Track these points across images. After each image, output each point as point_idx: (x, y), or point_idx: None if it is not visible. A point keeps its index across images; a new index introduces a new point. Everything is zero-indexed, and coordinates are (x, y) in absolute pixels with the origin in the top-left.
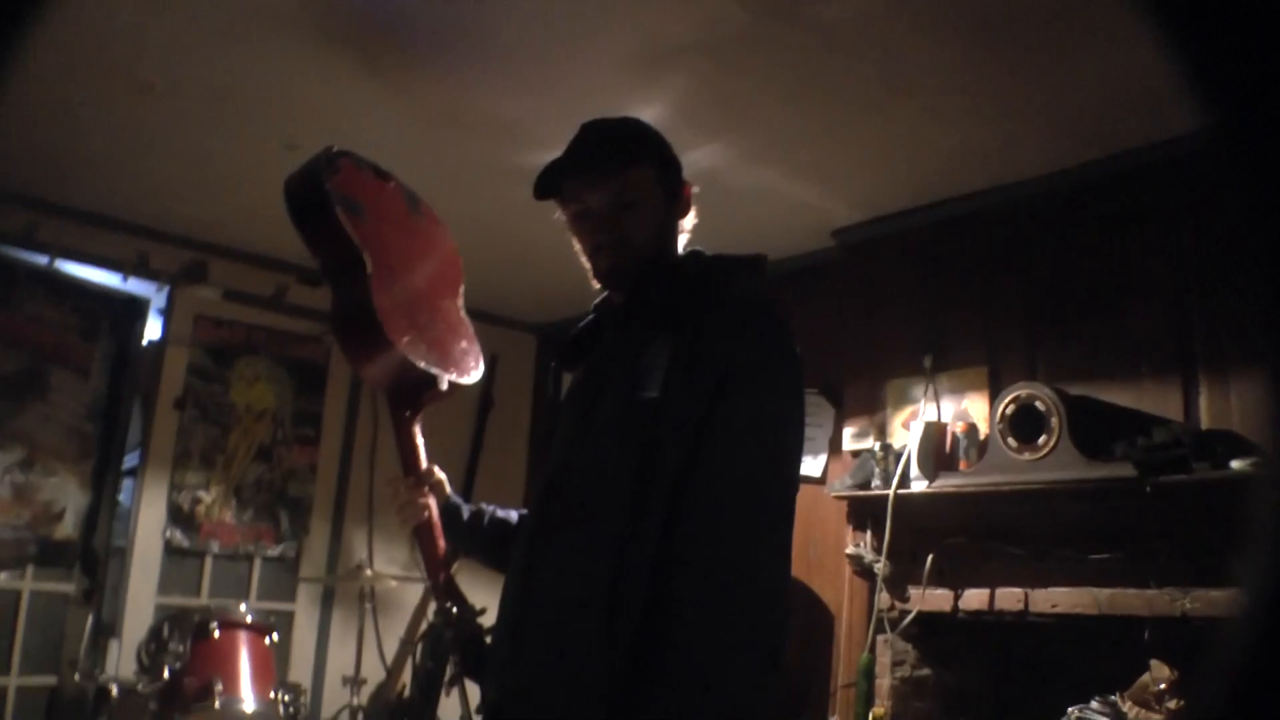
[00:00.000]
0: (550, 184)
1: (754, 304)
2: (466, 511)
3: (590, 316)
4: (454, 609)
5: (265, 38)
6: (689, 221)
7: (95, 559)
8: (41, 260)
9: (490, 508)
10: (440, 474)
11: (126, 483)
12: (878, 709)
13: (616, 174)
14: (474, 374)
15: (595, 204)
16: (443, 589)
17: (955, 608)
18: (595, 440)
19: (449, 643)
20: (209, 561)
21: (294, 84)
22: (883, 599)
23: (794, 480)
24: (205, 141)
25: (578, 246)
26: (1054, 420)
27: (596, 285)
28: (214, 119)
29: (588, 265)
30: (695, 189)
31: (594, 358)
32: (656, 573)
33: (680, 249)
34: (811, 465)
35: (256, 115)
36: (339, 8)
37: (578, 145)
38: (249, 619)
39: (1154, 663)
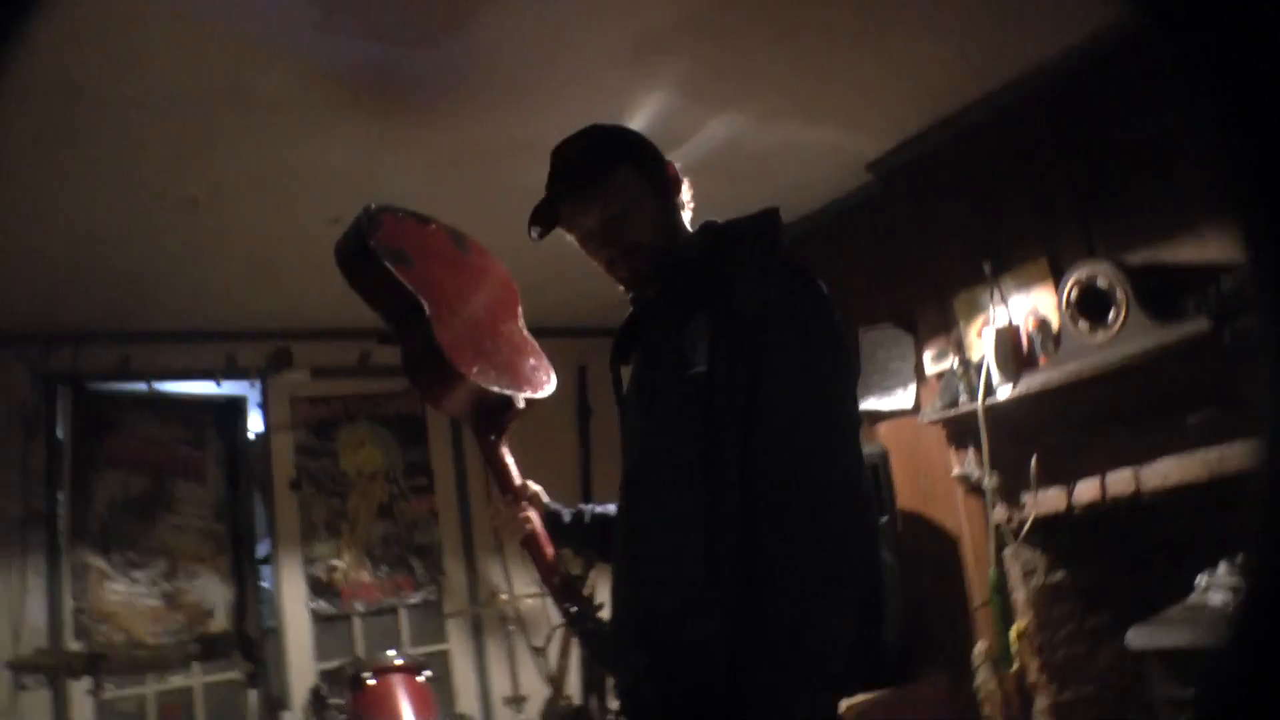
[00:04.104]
0: (546, 218)
1: (771, 261)
2: (568, 515)
3: (631, 311)
4: (573, 609)
5: (279, 129)
6: (687, 195)
7: (251, 643)
8: (141, 386)
9: (589, 506)
10: (535, 486)
11: (264, 568)
12: (1019, 623)
13: (595, 191)
14: (547, 388)
15: (589, 225)
16: (560, 592)
17: (1070, 504)
18: (659, 424)
19: (578, 638)
20: (357, 622)
21: (319, 163)
22: (998, 512)
23: (850, 418)
24: (255, 237)
25: (596, 264)
26: (1119, 294)
27: (623, 290)
28: (258, 214)
29: (610, 277)
30: (678, 164)
31: (642, 349)
32: (742, 532)
33: (689, 224)
34: (902, 397)
35: (295, 202)
36: (338, 82)
37: (552, 175)
38: (397, 661)
39: None
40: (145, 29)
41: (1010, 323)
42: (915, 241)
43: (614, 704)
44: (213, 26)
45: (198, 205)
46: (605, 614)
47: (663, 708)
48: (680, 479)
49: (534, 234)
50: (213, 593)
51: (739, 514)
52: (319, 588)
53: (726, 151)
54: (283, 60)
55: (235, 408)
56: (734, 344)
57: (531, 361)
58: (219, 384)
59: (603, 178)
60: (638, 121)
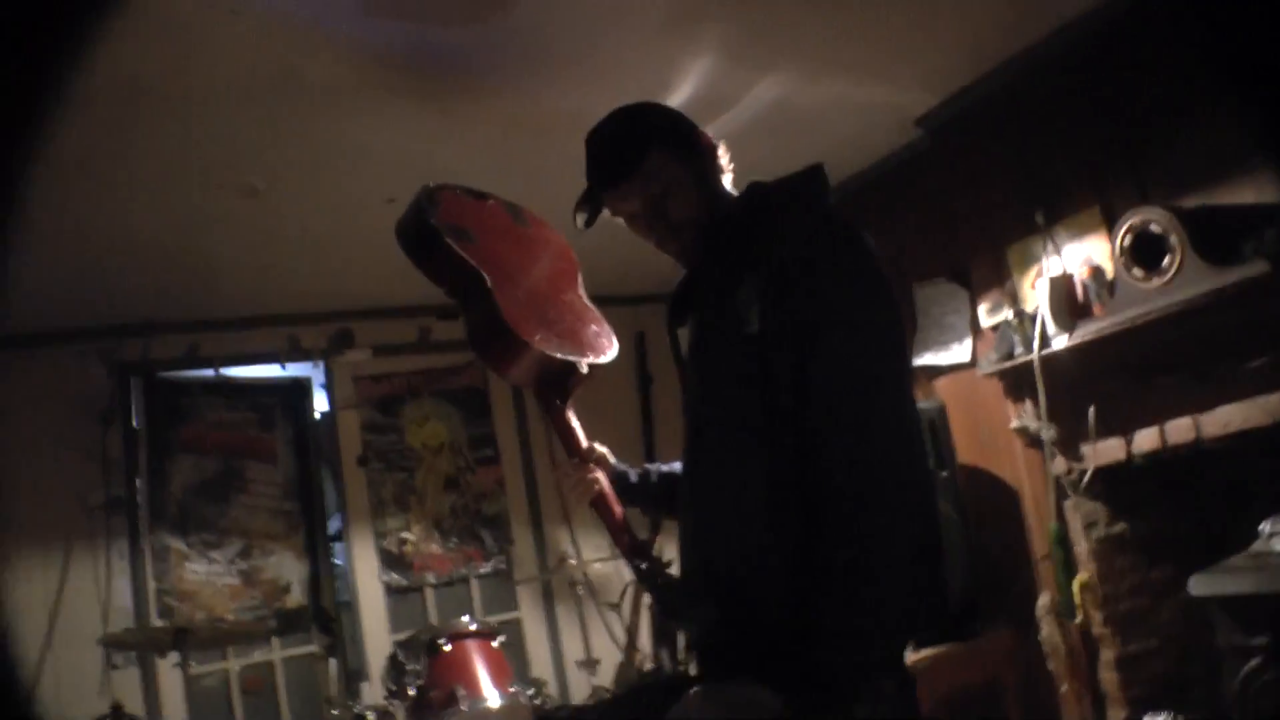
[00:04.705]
0: (590, 206)
1: (817, 218)
2: (634, 475)
3: (685, 274)
4: (644, 566)
5: (332, 114)
6: (725, 159)
7: (327, 617)
8: (209, 372)
9: (655, 465)
10: (602, 448)
11: (337, 544)
12: (1082, 575)
13: (631, 179)
14: (610, 352)
15: (631, 210)
16: (630, 550)
17: (1129, 454)
18: (716, 386)
19: (650, 595)
20: (429, 593)
21: (372, 144)
22: (1057, 464)
23: (901, 370)
24: (314, 221)
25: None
26: (1174, 239)
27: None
28: (315, 199)
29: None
30: (727, 128)
31: (696, 312)
32: (804, 492)
33: (733, 186)
34: (958, 351)
35: (351, 185)
36: (387, 65)
37: (589, 164)
38: (472, 627)
39: None
40: (196, 23)
41: (1064, 272)
42: (966, 195)
43: (684, 658)
44: (261, 17)
45: (256, 193)
46: (675, 570)
47: (733, 658)
48: (739, 439)
49: (580, 222)
50: (288, 569)
51: (797, 470)
52: (390, 561)
53: (775, 112)
54: (331, 46)
55: (301, 389)
56: (784, 304)
57: (593, 328)
58: (284, 366)
59: (636, 165)
60: (684, 88)
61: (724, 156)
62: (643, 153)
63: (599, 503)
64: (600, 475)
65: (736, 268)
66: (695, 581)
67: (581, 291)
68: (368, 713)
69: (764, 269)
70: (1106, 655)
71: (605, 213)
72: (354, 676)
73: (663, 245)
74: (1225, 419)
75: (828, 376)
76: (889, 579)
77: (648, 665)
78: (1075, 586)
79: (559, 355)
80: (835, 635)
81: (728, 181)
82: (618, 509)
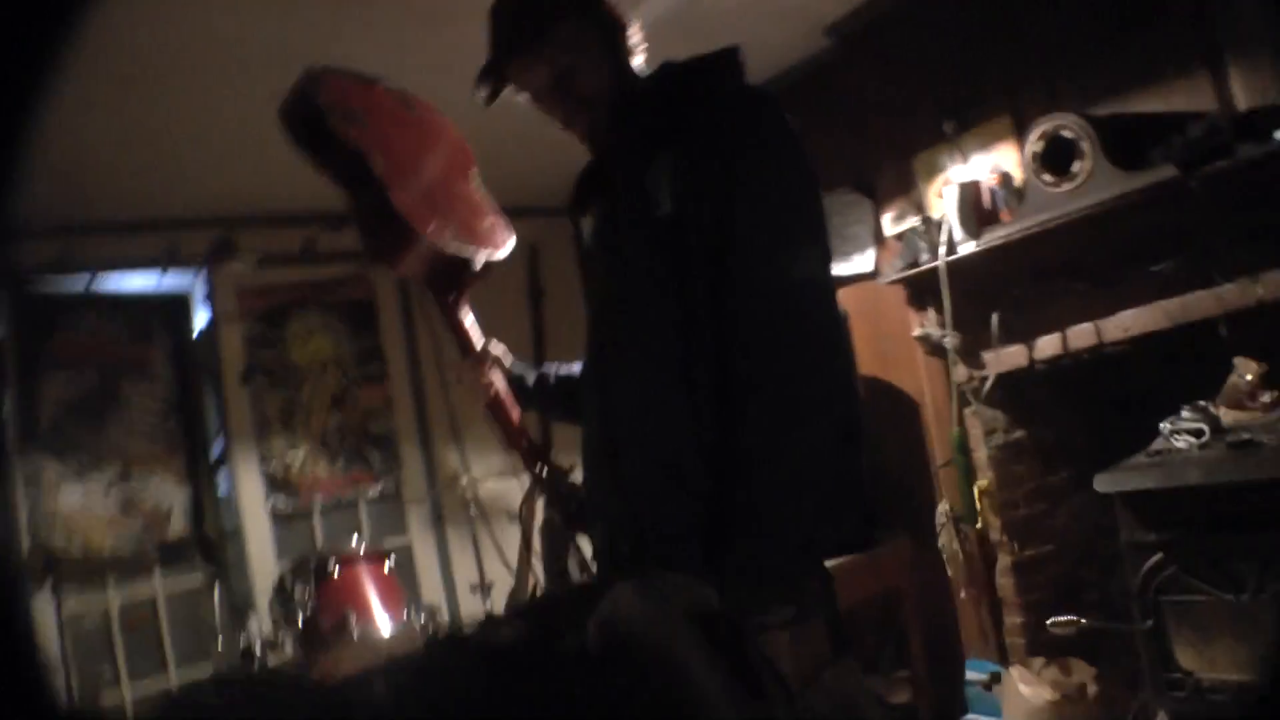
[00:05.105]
0: (493, 80)
1: (734, 91)
2: (532, 376)
3: (590, 159)
4: (544, 470)
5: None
6: (636, 37)
7: (211, 546)
8: (81, 280)
9: (554, 366)
10: (499, 347)
11: (220, 470)
12: (981, 481)
13: (540, 49)
14: (505, 247)
15: (537, 84)
16: (527, 455)
17: (1031, 360)
18: (626, 271)
19: (549, 502)
20: (316, 518)
21: (260, 35)
22: (959, 372)
23: (823, 249)
24: (196, 120)
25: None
26: (1085, 144)
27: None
28: (196, 94)
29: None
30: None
31: (603, 197)
32: (721, 374)
33: (642, 67)
34: (860, 261)
35: (234, 79)
36: None
37: (492, 33)
38: (362, 550)
39: (1238, 360)
40: None
41: (973, 179)
42: (874, 105)
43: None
44: None
45: (132, 83)
46: (575, 476)
47: (641, 560)
48: (650, 328)
49: (481, 96)
50: (169, 495)
51: (714, 358)
52: (276, 484)
53: (683, 13)
54: None
55: (180, 301)
56: (700, 179)
57: (488, 220)
58: (162, 274)
59: (544, 35)
60: None
61: (636, 35)
62: (550, 22)
63: (494, 405)
64: (496, 376)
65: (647, 146)
66: (603, 483)
67: (476, 183)
68: (255, 642)
69: (677, 146)
70: (1004, 561)
71: (508, 90)
72: (240, 607)
73: (568, 123)
74: (1126, 323)
75: (746, 257)
76: (812, 467)
77: (541, 587)
78: (975, 493)
79: (451, 247)
80: (757, 529)
81: (639, 63)
82: (514, 412)
